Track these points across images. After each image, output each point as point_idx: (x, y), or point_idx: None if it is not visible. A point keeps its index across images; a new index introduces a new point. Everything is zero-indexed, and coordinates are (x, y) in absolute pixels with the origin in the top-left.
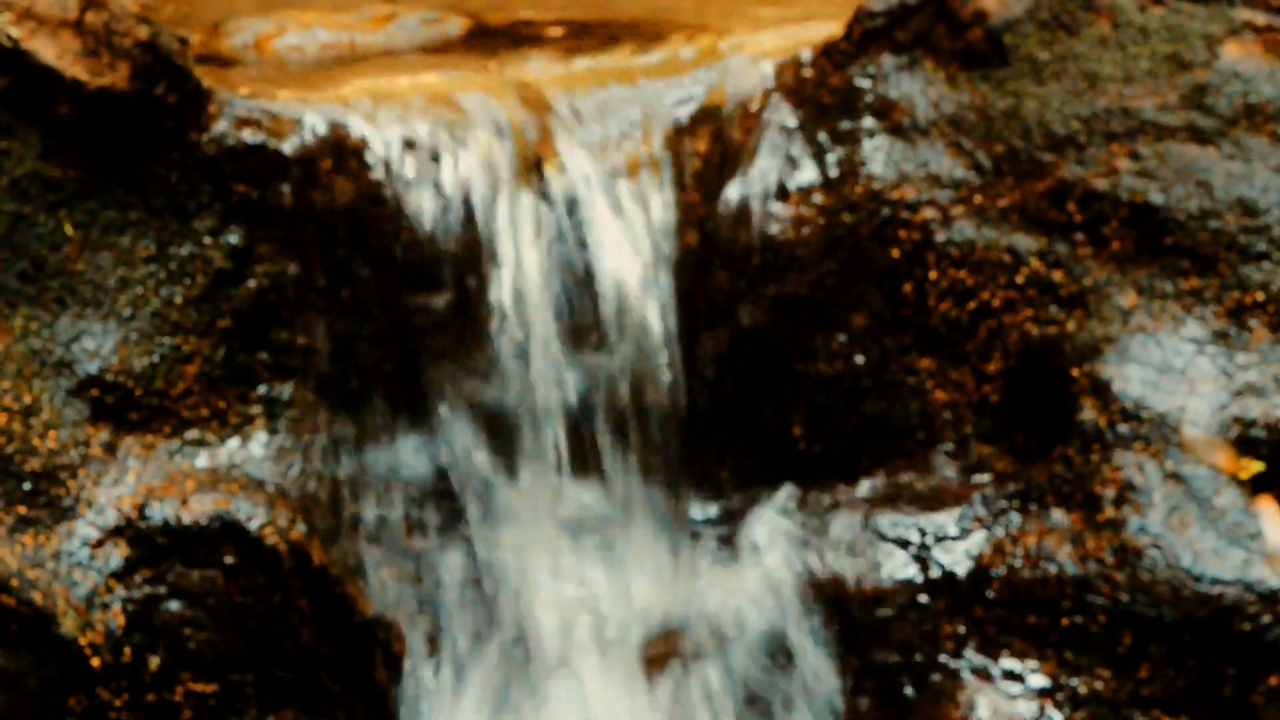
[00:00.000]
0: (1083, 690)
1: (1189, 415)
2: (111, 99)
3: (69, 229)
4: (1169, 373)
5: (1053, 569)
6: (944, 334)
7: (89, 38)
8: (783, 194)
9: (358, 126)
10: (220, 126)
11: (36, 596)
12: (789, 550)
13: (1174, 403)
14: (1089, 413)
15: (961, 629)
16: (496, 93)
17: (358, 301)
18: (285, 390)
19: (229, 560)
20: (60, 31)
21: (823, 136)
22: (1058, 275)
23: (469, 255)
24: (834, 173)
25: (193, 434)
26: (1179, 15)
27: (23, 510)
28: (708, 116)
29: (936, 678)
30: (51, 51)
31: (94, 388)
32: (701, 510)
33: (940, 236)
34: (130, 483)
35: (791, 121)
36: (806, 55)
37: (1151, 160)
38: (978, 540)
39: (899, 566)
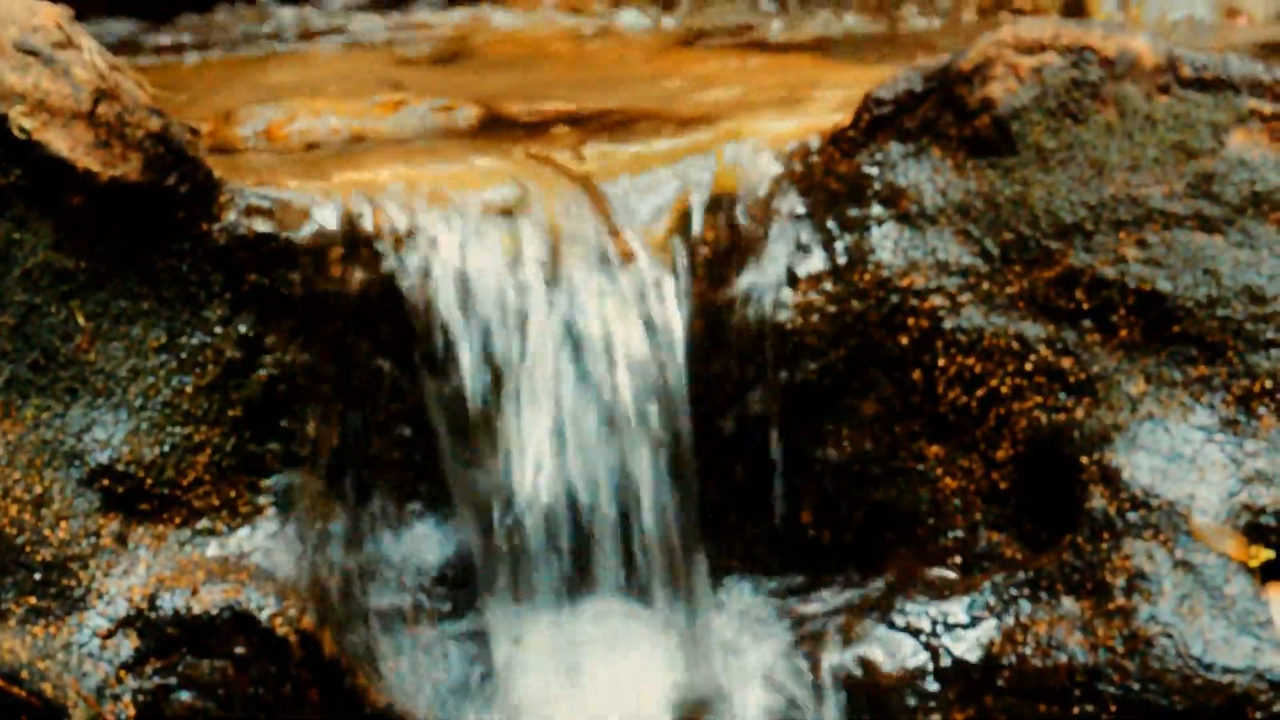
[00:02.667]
0: None
1: (1198, 503)
2: (124, 190)
3: (81, 319)
4: (1178, 460)
5: (1063, 657)
6: (953, 421)
7: (101, 129)
8: (792, 281)
9: (368, 215)
10: (231, 216)
11: (47, 688)
12: (800, 638)
13: (1183, 490)
14: (1098, 500)
15: (973, 718)
16: (508, 180)
17: (368, 389)
18: (295, 479)
19: (240, 650)
20: (73, 123)
21: (831, 224)
22: (1066, 362)
23: (483, 345)
24: (843, 260)
25: (203, 523)
26: (1185, 104)
27: (33, 601)
28: (716, 203)
29: None
30: (64, 143)
31: (105, 478)
32: (713, 598)
33: (949, 324)
34: (141, 573)
35: (800, 209)
36: (815, 142)
37: (1159, 248)
38: (988, 628)
39: (909, 655)
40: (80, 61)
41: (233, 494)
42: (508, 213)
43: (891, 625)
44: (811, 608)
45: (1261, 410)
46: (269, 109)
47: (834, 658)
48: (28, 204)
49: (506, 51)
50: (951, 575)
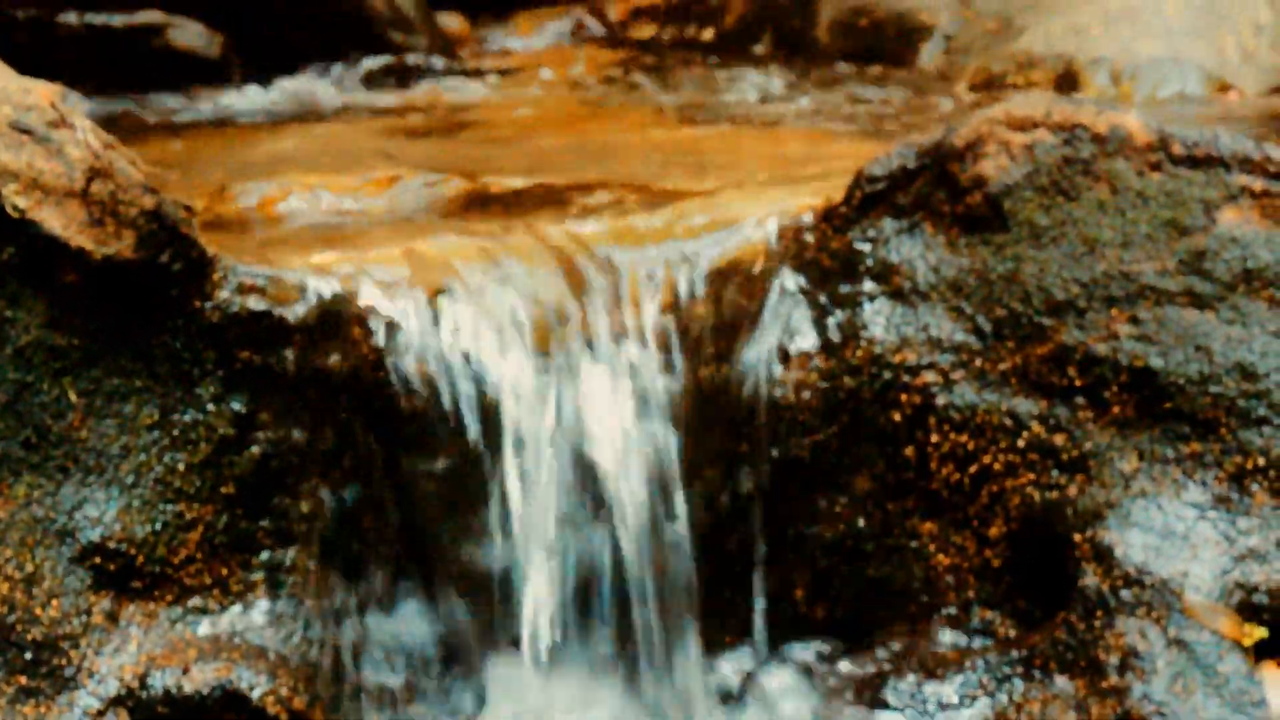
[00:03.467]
0: None
1: (1191, 581)
2: (117, 267)
3: (73, 397)
4: (1171, 538)
5: None
6: (946, 498)
7: (95, 207)
8: (784, 358)
9: (360, 292)
10: (224, 294)
11: None
12: (792, 716)
13: (1176, 568)
14: (1091, 578)
15: None
16: (500, 257)
17: (360, 467)
18: (288, 556)
19: None
20: (66, 201)
21: (824, 300)
22: (1059, 439)
23: (475, 421)
24: (835, 336)
25: (195, 601)
26: (1177, 181)
27: (23, 680)
28: (708, 280)
29: None
30: (58, 221)
31: (96, 555)
32: (705, 676)
33: (941, 400)
34: (132, 651)
35: (792, 285)
36: (807, 219)
37: (1151, 325)
38: (981, 707)
39: None
40: (74, 140)
41: (225, 571)
42: (499, 290)
43: (885, 704)
44: (805, 686)
45: (1254, 487)
46: (262, 184)
47: None
48: (21, 282)
49: (503, 126)
50: (945, 653)
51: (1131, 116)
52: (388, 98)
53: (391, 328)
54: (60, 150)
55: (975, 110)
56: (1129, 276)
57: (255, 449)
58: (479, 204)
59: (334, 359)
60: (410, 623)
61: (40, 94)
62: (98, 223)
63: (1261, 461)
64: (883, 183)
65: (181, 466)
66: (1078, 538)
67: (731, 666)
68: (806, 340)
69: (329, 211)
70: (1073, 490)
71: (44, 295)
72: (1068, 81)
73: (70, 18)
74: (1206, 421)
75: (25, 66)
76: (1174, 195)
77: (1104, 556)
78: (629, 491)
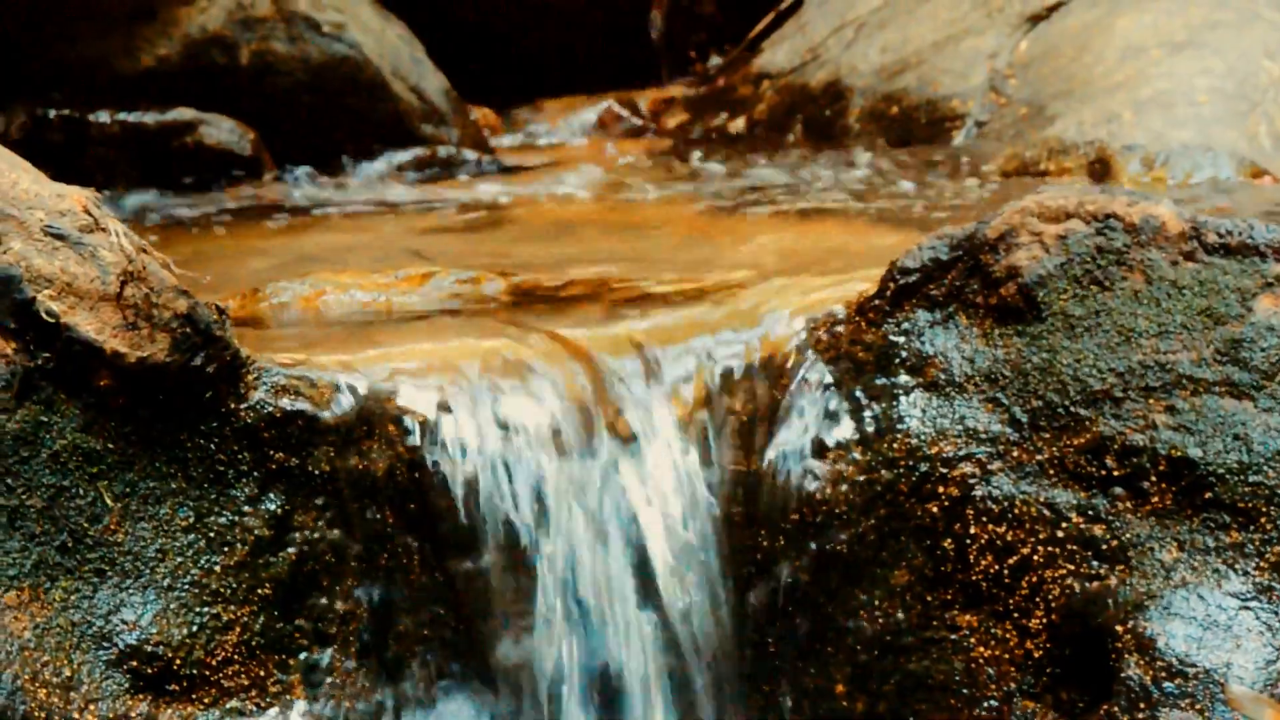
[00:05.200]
0: None
1: (1234, 671)
2: (151, 371)
3: (109, 500)
4: (1213, 628)
5: None
6: (985, 590)
7: (129, 311)
8: (820, 451)
9: (395, 392)
10: (258, 395)
11: None
12: None
13: (1219, 659)
14: (1134, 669)
15: None
16: (536, 354)
17: (397, 566)
18: (325, 657)
19: None
20: (100, 305)
21: (859, 393)
22: (1098, 530)
23: (510, 518)
24: (871, 429)
25: (232, 704)
26: (1211, 270)
27: None
28: (744, 373)
29: None
30: (92, 326)
31: (134, 659)
32: None
33: (979, 492)
34: None
35: (827, 378)
36: (841, 311)
37: (1189, 414)
38: None
39: None
40: (108, 244)
41: (262, 673)
42: (534, 387)
43: None
44: None
45: None
46: (295, 284)
47: None
48: (56, 386)
49: (535, 220)
50: None
51: (1164, 206)
52: (420, 191)
53: (426, 426)
54: (94, 255)
55: (1007, 200)
56: (1165, 366)
57: (291, 549)
58: (512, 300)
59: (369, 458)
60: None
61: (74, 199)
62: (132, 327)
63: None
64: (916, 274)
65: (218, 568)
66: (1119, 629)
67: None
68: (842, 433)
69: (362, 309)
70: (1113, 581)
71: (79, 399)
72: (1100, 168)
73: (103, 116)
74: (1246, 511)
75: (59, 164)
76: (1209, 284)
77: (1146, 647)
78: (668, 587)
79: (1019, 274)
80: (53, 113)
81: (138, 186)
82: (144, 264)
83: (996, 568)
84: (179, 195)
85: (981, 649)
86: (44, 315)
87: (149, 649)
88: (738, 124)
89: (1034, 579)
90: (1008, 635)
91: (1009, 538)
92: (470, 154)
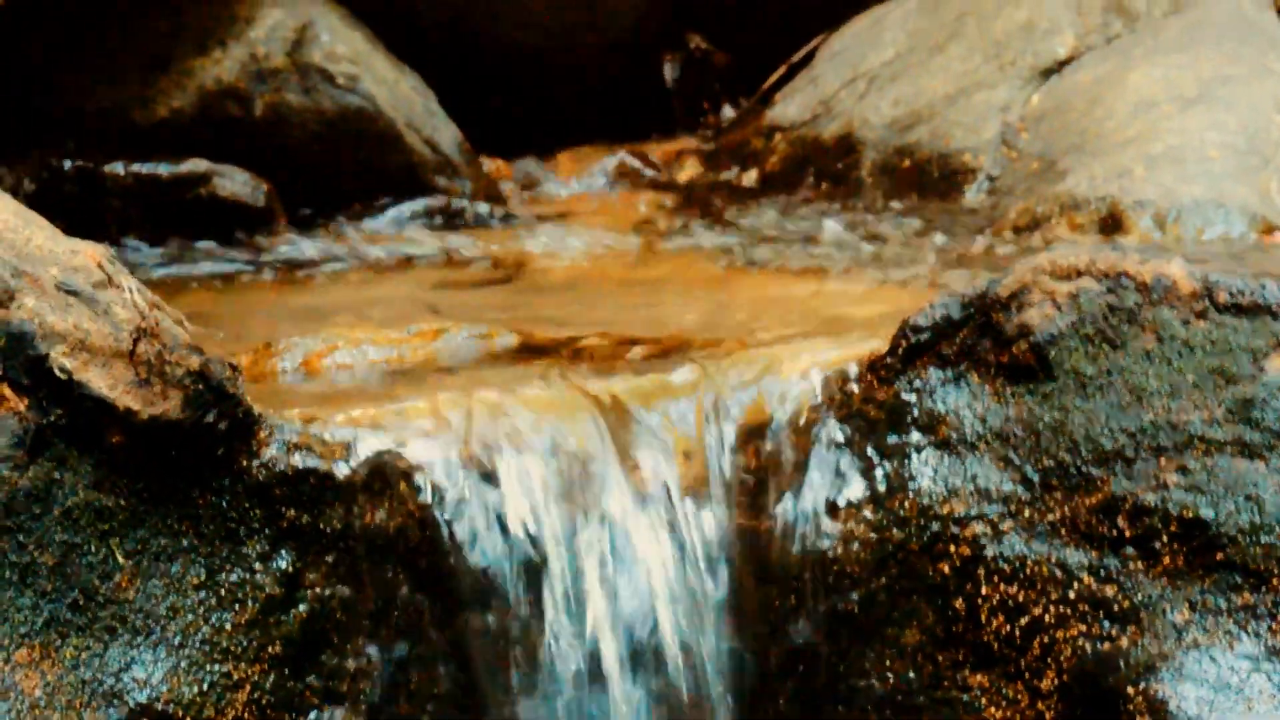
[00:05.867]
0: None
1: None
2: (163, 428)
3: (120, 558)
4: (1225, 690)
5: None
6: (997, 650)
7: (142, 368)
8: (832, 510)
9: (407, 448)
10: (270, 451)
11: None
12: None
13: None
14: None
15: None
16: (545, 411)
17: (408, 624)
18: (336, 715)
19: None
20: (113, 362)
21: (871, 451)
22: (1110, 590)
23: (522, 576)
24: (882, 488)
25: None
26: (1223, 329)
27: None
28: (755, 431)
29: None
30: (104, 382)
31: (144, 717)
32: None
33: (990, 551)
34: None
35: (839, 436)
36: (853, 369)
37: (1200, 475)
38: None
39: None
40: (121, 300)
41: None
42: (545, 444)
43: None
44: None
45: None
46: (308, 340)
47: None
48: (68, 443)
49: (547, 274)
50: None
51: (1176, 265)
52: (433, 244)
53: (438, 484)
54: (108, 311)
55: (1019, 256)
56: (1177, 426)
57: (302, 607)
58: (525, 356)
59: (381, 515)
60: None
61: (88, 255)
62: (144, 383)
63: None
64: (928, 333)
65: (229, 626)
66: (1131, 690)
67: None
68: (854, 491)
69: (375, 365)
70: (1124, 642)
71: (91, 456)
72: (1112, 223)
73: (118, 168)
74: (1258, 572)
75: (73, 215)
76: (1220, 344)
77: (1158, 710)
78: (678, 645)
79: (1031, 332)
80: (67, 163)
81: (151, 237)
82: (157, 320)
83: (1008, 628)
84: (192, 246)
85: (993, 709)
86: (57, 372)
87: (159, 707)
88: (750, 176)
89: (1045, 639)
90: (1019, 696)
91: (1020, 598)
92: (483, 205)
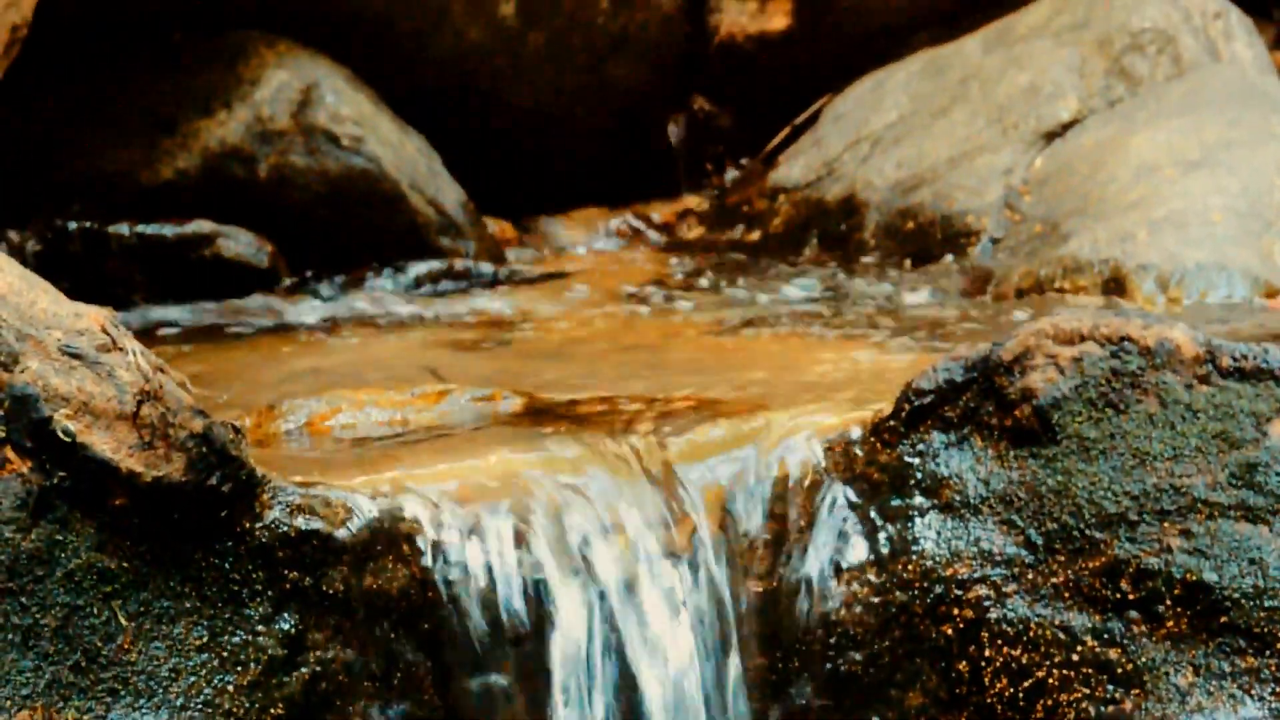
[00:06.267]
0: None
1: None
2: (167, 490)
3: (123, 619)
4: None
5: None
6: (1000, 713)
7: (145, 431)
8: (836, 572)
9: (410, 512)
10: (273, 514)
11: None
12: None
13: None
14: None
15: None
16: (549, 474)
17: (411, 686)
18: None
19: None
20: (117, 424)
21: (874, 514)
22: (1113, 653)
23: (523, 639)
24: (886, 550)
25: None
26: (1226, 393)
27: None
28: (759, 495)
29: None
30: (108, 445)
31: None
32: None
33: (994, 614)
34: None
35: (843, 499)
36: (856, 432)
37: (1204, 538)
38: None
39: None
40: (124, 363)
41: None
42: (549, 507)
43: None
44: None
45: None
46: (311, 401)
47: None
48: (71, 505)
49: (551, 335)
50: None
51: (1179, 329)
52: (436, 305)
53: (439, 546)
54: (111, 374)
55: (1022, 320)
56: (1180, 490)
57: (305, 669)
58: (528, 419)
59: (383, 578)
60: None
61: (91, 318)
62: (148, 446)
63: None
64: (931, 396)
65: (231, 688)
66: None
67: None
68: (858, 554)
69: (378, 427)
70: (1128, 705)
71: (94, 518)
72: (1115, 286)
73: (122, 228)
74: (1262, 636)
75: (78, 276)
76: (1223, 408)
77: None
78: (684, 708)
79: (1034, 396)
80: (72, 224)
81: (156, 298)
82: (161, 383)
83: (1011, 691)
84: (197, 307)
85: None
86: (60, 434)
87: None
88: (753, 237)
89: (1049, 702)
90: None
91: (1024, 660)
92: (486, 266)
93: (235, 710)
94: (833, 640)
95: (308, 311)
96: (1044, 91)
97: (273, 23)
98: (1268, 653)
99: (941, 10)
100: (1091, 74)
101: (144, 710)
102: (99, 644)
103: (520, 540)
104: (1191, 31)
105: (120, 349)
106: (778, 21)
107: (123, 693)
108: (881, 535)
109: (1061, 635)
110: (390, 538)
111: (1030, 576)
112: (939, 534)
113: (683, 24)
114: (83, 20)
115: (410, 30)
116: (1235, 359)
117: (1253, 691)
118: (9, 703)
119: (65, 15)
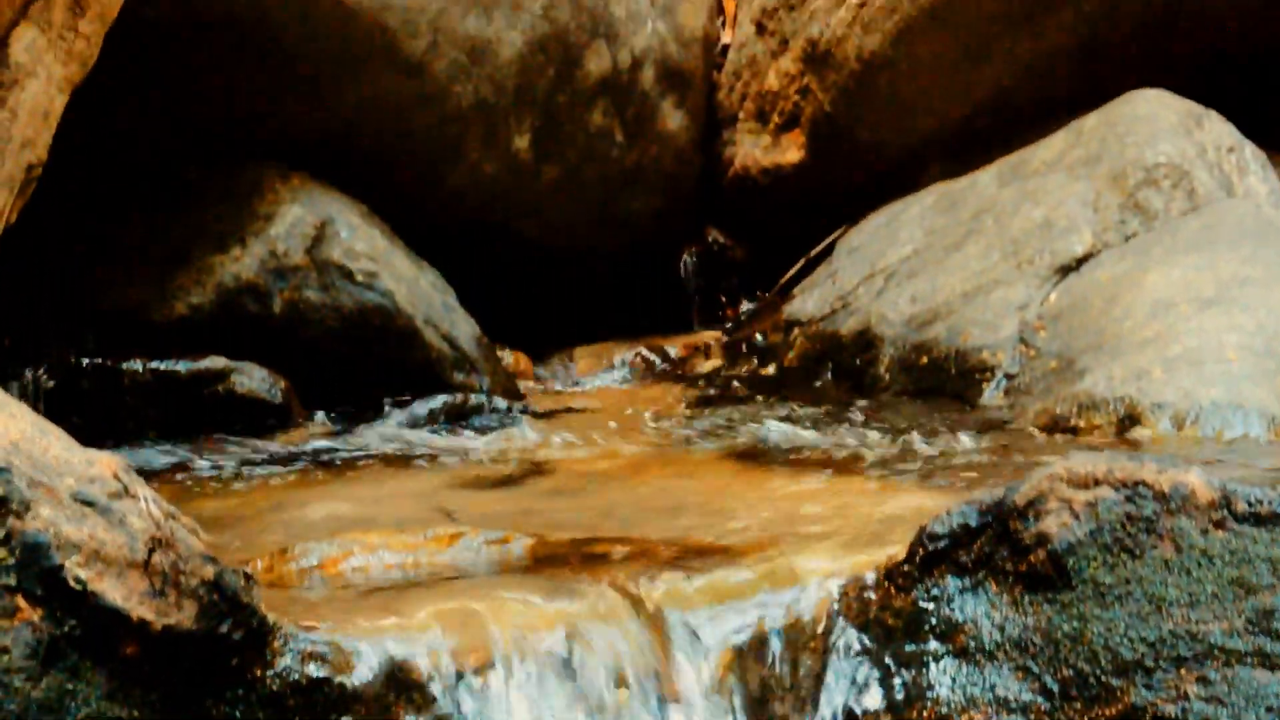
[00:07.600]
0: None
1: None
2: (178, 638)
3: None
4: None
5: None
6: None
7: (156, 578)
8: (850, 718)
9: (421, 658)
10: (285, 661)
11: None
12: None
13: None
14: None
15: None
16: (562, 619)
17: None
18: None
19: None
20: (128, 572)
21: (888, 659)
22: None
23: None
24: (901, 696)
25: None
26: (1242, 539)
27: None
28: (775, 639)
29: None
30: (119, 593)
31: None
32: None
33: None
34: None
35: (856, 644)
36: (870, 577)
37: (1221, 686)
38: None
39: None
40: (136, 510)
41: None
42: (561, 653)
43: None
44: None
45: None
46: (323, 544)
47: None
48: (81, 654)
49: (564, 474)
50: None
51: (1193, 474)
52: (449, 440)
53: (453, 693)
54: (123, 521)
55: (1037, 460)
56: (1196, 636)
57: None
58: (541, 562)
59: None
60: None
61: (103, 465)
62: (159, 594)
63: None
64: (945, 540)
65: None
66: None
67: None
68: (872, 700)
69: (391, 570)
70: None
71: (104, 667)
72: (1130, 424)
73: (135, 365)
74: None
75: (90, 412)
76: (1239, 554)
77: None
78: None
79: (1049, 541)
80: (85, 360)
81: (168, 434)
82: (172, 530)
83: None
84: (210, 443)
85: None
86: (71, 583)
87: None
88: (768, 371)
89: None
90: None
91: None
92: (501, 401)
93: None
94: None
95: (320, 448)
96: (1058, 226)
97: (287, 156)
98: None
99: (954, 144)
100: (1106, 208)
101: None
102: None
103: (535, 687)
104: (1206, 166)
105: (132, 495)
106: (791, 154)
107: None
108: (896, 681)
109: None
110: (402, 686)
111: None
112: (954, 680)
113: (696, 157)
114: (97, 158)
115: (425, 164)
116: (1251, 504)
117: None
118: None
119: (79, 153)
